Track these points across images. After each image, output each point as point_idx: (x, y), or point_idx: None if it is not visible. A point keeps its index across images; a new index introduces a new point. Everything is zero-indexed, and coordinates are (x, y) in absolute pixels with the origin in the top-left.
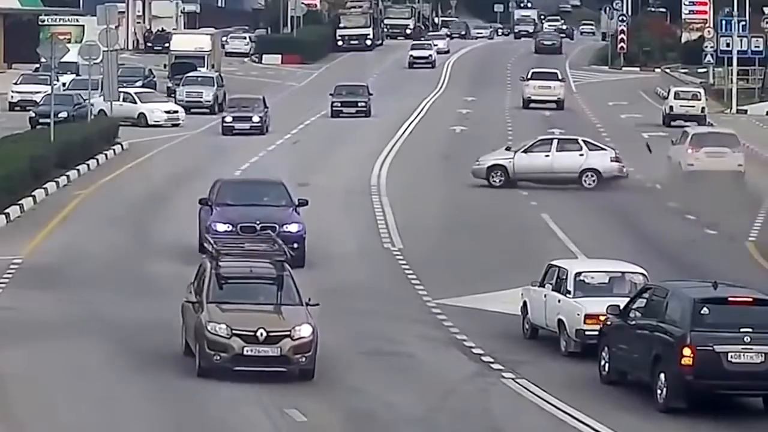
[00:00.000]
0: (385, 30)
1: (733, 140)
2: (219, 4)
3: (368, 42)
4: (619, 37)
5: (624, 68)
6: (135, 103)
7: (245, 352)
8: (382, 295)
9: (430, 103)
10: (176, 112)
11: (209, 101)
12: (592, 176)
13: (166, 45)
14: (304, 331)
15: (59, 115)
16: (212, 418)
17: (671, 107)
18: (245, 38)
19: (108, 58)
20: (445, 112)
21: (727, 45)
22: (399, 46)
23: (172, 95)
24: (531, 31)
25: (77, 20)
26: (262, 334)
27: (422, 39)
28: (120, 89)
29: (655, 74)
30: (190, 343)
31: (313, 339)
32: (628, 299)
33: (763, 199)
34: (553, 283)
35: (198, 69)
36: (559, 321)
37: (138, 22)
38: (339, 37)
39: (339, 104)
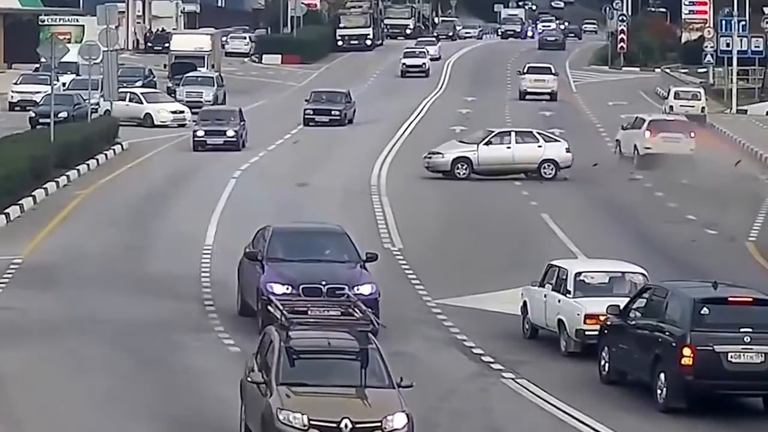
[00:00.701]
0: (385, 30)
1: (686, 126)
2: (219, 4)
3: (368, 42)
4: (619, 37)
5: (624, 68)
6: (141, 103)
7: None
8: (382, 295)
9: (430, 103)
10: (182, 112)
11: (209, 101)
12: (550, 167)
13: (166, 45)
14: (398, 421)
15: (59, 115)
16: (212, 418)
17: (671, 107)
18: (245, 38)
19: (108, 58)
20: (445, 112)
21: (727, 45)
22: (399, 46)
23: (172, 95)
24: (518, 30)
25: (77, 20)
26: (347, 426)
27: (415, 43)
28: (126, 89)
29: (655, 74)
30: (253, 431)
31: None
32: (628, 299)
33: (762, 199)
34: (553, 283)
35: (198, 69)
36: (559, 321)
37: (138, 22)
38: (339, 37)
39: (311, 112)
